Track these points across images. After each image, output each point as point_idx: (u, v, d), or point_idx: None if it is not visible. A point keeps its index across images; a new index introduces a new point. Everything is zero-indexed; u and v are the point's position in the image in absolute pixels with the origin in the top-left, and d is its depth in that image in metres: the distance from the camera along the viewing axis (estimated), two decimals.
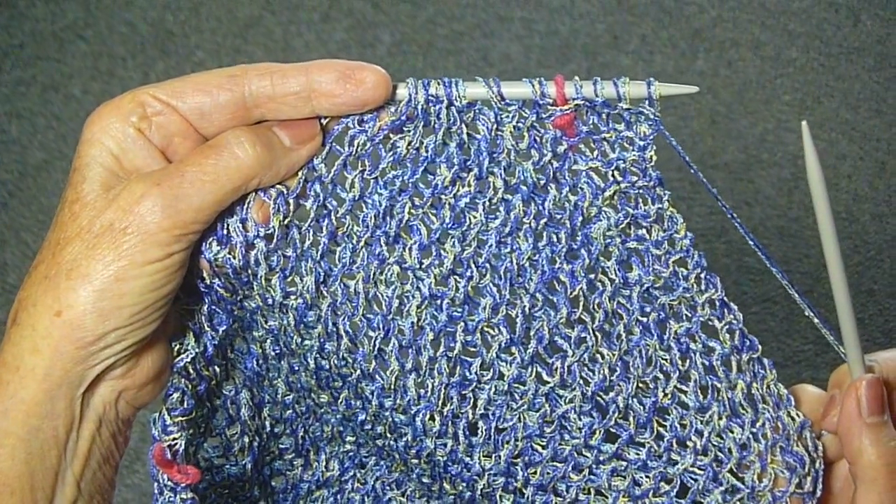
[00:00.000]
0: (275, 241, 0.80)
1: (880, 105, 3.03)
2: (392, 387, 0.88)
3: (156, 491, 0.81)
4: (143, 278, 0.73)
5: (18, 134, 3.02)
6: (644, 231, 0.84)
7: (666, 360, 0.87)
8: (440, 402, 0.89)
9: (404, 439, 0.91)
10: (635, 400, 0.88)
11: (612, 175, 0.82)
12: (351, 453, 1.00)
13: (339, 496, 1.03)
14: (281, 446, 0.97)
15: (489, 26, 3.16)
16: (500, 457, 0.90)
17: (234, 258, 0.79)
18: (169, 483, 0.80)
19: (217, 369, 0.87)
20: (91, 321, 0.73)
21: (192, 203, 0.73)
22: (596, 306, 0.86)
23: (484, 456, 0.91)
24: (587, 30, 3.14)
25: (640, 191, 0.83)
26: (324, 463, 1.01)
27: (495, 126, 0.82)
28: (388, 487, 1.02)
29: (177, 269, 0.75)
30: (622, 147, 0.82)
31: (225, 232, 0.79)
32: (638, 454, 0.89)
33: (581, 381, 0.87)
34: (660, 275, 0.85)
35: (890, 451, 0.82)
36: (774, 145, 2.92)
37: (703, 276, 0.85)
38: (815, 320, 0.88)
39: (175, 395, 0.81)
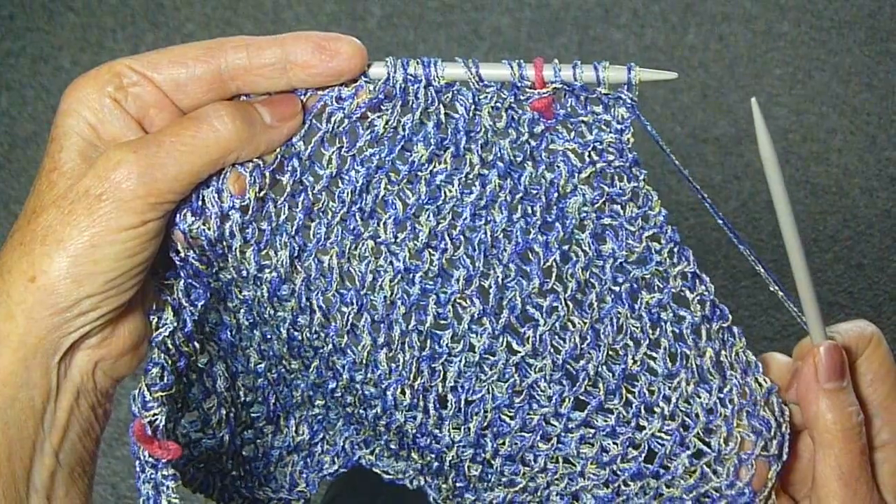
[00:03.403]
0: (250, 212, 0.80)
1: (871, 79, 3.03)
2: (363, 361, 0.88)
3: (137, 468, 0.80)
4: (118, 245, 0.73)
5: (8, 105, 3.01)
6: (619, 207, 0.84)
7: (637, 327, 0.87)
8: (411, 376, 0.89)
9: (374, 411, 0.91)
10: (605, 367, 0.88)
11: (589, 155, 0.82)
12: (319, 416, 1.00)
13: (308, 459, 1.03)
14: (252, 415, 0.98)
15: None
16: (469, 429, 0.91)
17: (209, 229, 0.79)
18: (150, 459, 0.79)
19: (197, 345, 0.87)
20: (65, 287, 0.73)
21: (168, 172, 0.73)
22: (569, 276, 0.86)
23: (453, 428, 0.92)
24: (578, 3, 3.13)
25: (617, 170, 0.83)
26: (294, 428, 1.01)
27: (473, 106, 0.82)
28: (356, 447, 1.02)
29: (151, 238, 0.75)
30: (599, 129, 0.82)
31: (200, 203, 0.78)
32: (606, 420, 0.90)
33: (552, 350, 0.87)
34: (633, 249, 0.85)
35: (847, 415, 0.83)
36: (765, 119, 2.91)
37: (675, 250, 0.85)
38: (780, 293, 0.88)
39: (154, 371, 0.81)
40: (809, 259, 2.74)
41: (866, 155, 2.90)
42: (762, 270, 0.88)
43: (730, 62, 3.04)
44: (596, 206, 0.84)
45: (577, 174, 0.83)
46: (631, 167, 0.82)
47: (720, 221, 0.87)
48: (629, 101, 0.81)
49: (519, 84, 0.81)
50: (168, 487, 0.80)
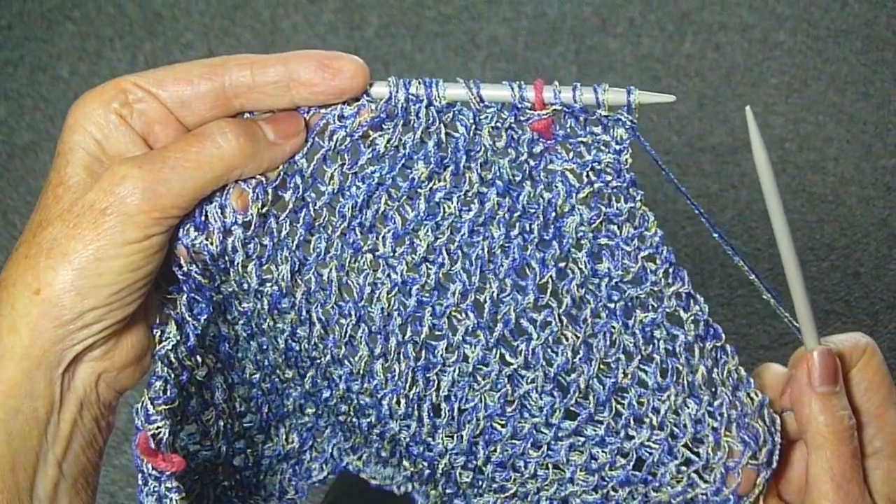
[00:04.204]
0: (252, 228, 0.81)
1: (867, 88, 3.04)
2: (360, 371, 0.89)
3: (140, 482, 0.81)
4: (122, 259, 0.74)
5: (6, 115, 3.02)
6: (615, 227, 0.85)
7: (630, 342, 0.88)
8: (407, 386, 0.90)
9: (368, 420, 0.93)
10: (596, 380, 0.89)
11: (587, 176, 0.83)
12: (309, 424, 1.01)
13: (297, 467, 1.05)
14: (245, 425, 0.98)
15: (477, 8, 3.16)
16: (462, 437, 0.92)
17: (212, 244, 0.80)
18: (154, 472, 0.80)
19: (199, 358, 0.87)
20: (69, 299, 0.73)
21: (172, 188, 0.74)
22: (564, 292, 0.87)
23: (446, 436, 0.93)
24: (575, 12, 3.14)
25: (614, 190, 0.84)
26: (284, 436, 1.02)
27: (473, 126, 0.82)
28: (344, 453, 1.03)
29: (155, 252, 0.76)
30: (598, 149, 0.83)
31: (203, 218, 0.79)
32: (596, 430, 0.91)
33: (544, 363, 0.89)
34: (629, 269, 0.86)
35: (838, 419, 0.84)
36: (762, 128, 2.90)
37: (670, 270, 0.86)
38: (772, 301, 0.90)
39: (158, 384, 0.81)
40: (806, 268, 2.75)
41: (863, 164, 2.91)
42: (755, 278, 0.89)
43: (726, 71, 3.05)
44: (593, 225, 0.84)
45: (574, 194, 0.84)
46: (628, 188, 0.83)
47: (716, 235, 0.87)
48: (629, 123, 0.82)
49: (519, 105, 0.81)
50: (172, 500, 0.80)
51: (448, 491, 0.96)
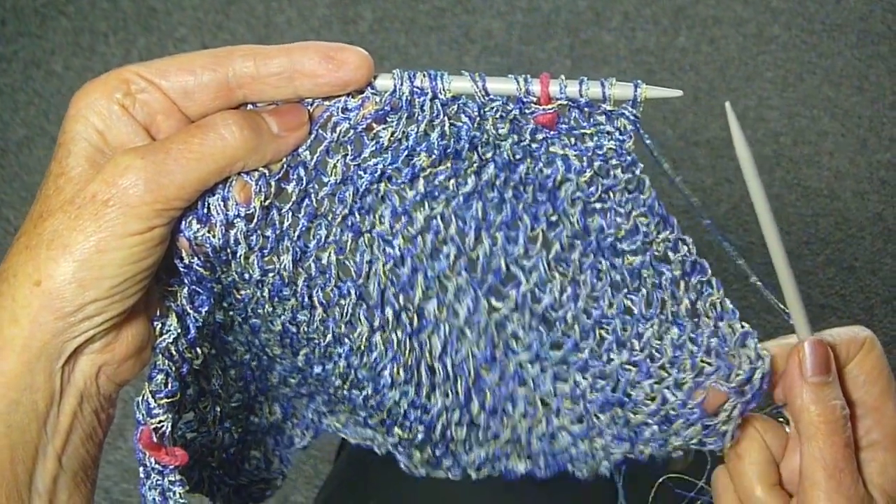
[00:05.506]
0: (255, 221, 0.81)
1: (862, 82, 3.04)
2: (361, 347, 0.89)
3: (142, 475, 0.81)
4: (124, 250, 0.73)
5: (0, 111, 3.01)
6: (611, 193, 0.85)
7: (617, 277, 0.89)
8: (406, 353, 0.90)
9: (364, 392, 0.93)
10: (583, 313, 0.90)
11: (589, 160, 0.84)
12: (290, 394, 1.01)
13: (279, 437, 1.05)
14: (233, 405, 0.98)
15: (471, 2, 3.16)
16: (457, 390, 0.92)
17: (214, 237, 0.79)
18: (157, 466, 0.80)
19: (199, 350, 0.87)
20: (70, 291, 0.73)
21: (174, 179, 0.74)
22: (553, 240, 0.87)
23: (442, 394, 0.93)
24: (569, 6, 3.14)
25: (613, 166, 0.84)
26: (267, 409, 1.02)
27: (478, 118, 0.82)
28: (323, 416, 1.03)
29: (157, 244, 0.75)
30: (601, 137, 0.83)
31: (205, 210, 0.79)
32: (579, 356, 0.91)
33: (532, 303, 0.89)
34: (621, 227, 0.86)
35: (830, 409, 0.85)
36: (756, 122, 2.93)
37: (661, 221, 0.87)
38: (766, 292, 0.90)
39: (159, 377, 0.81)
40: (801, 262, 2.75)
41: (857, 158, 2.91)
42: (746, 268, 0.89)
43: (721, 65, 3.05)
44: (592, 199, 0.85)
45: (576, 175, 0.84)
46: (629, 166, 0.84)
47: (707, 226, 0.88)
48: (632, 117, 0.82)
49: (524, 99, 0.81)
50: (175, 493, 0.80)
51: (437, 453, 0.96)
